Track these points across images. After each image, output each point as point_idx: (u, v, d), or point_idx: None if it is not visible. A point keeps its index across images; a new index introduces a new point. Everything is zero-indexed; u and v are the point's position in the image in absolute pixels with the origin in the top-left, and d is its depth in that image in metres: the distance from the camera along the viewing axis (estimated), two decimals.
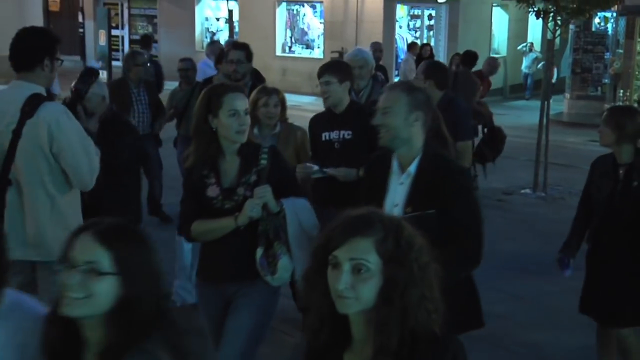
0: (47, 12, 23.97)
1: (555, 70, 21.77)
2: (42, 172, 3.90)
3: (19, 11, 21.14)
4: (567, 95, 19.62)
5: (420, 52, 17.19)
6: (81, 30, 26.03)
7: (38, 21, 21.83)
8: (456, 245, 3.13)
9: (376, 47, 11.75)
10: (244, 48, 6.23)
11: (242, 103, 3.56)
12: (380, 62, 11.20)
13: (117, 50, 24.84)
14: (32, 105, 3.84)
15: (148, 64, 9.14)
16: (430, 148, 3.36)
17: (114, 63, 18.03)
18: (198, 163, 3.60)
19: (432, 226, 2.88)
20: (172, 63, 23.22)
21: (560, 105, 19.25)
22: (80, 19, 26.19)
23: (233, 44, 6.53)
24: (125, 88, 7.24)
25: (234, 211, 3.53)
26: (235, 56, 6.11)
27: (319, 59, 21.87)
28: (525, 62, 23.07)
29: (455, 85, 9.75)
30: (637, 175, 4.38)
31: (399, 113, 3.31)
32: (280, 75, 15.82)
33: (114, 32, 25.80)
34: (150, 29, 25.83)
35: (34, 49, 3.98)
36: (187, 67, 8.55)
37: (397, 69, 19.85)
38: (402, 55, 19.47)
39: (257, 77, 6.23)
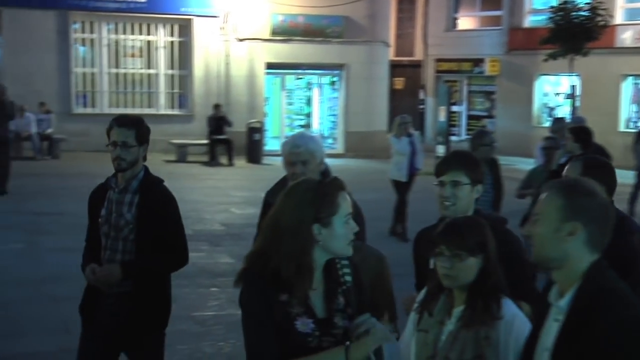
0: (391, 90, 25.60)
1: None
2: None
3: (368, 90, 23.27)
4: None
5: None
6: (422, 106, 27.36)
7: (384, 98, 23.80)
8: None
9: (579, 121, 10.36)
10: (135, 125, 3.92)
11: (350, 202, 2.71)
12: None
13: (455, 126, 25.62)
14: None
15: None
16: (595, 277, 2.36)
17: (452, 138, 18.61)
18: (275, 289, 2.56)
19: None
20: (509, 139, 23.41)
21: None
22: (421, 96, 27.58)
23: (116, 120, 4.00)
24: None
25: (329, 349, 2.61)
26: (120, 138, 3.89)
27: None
28: None
29: None
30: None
31: (548, 221, 2.42)
32: (622, 151, 15.07)
33: (453, 108, 26.77)
34: (488, 104, 26.26)
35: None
36: (550, 146, 8.40)
37: None
38: None
39: (600, 153, 5.40)
